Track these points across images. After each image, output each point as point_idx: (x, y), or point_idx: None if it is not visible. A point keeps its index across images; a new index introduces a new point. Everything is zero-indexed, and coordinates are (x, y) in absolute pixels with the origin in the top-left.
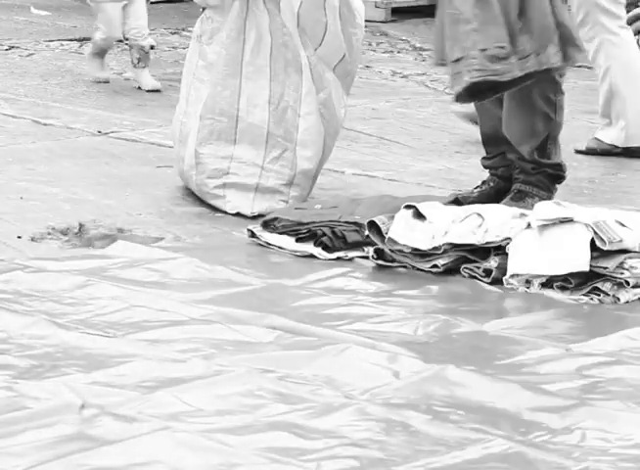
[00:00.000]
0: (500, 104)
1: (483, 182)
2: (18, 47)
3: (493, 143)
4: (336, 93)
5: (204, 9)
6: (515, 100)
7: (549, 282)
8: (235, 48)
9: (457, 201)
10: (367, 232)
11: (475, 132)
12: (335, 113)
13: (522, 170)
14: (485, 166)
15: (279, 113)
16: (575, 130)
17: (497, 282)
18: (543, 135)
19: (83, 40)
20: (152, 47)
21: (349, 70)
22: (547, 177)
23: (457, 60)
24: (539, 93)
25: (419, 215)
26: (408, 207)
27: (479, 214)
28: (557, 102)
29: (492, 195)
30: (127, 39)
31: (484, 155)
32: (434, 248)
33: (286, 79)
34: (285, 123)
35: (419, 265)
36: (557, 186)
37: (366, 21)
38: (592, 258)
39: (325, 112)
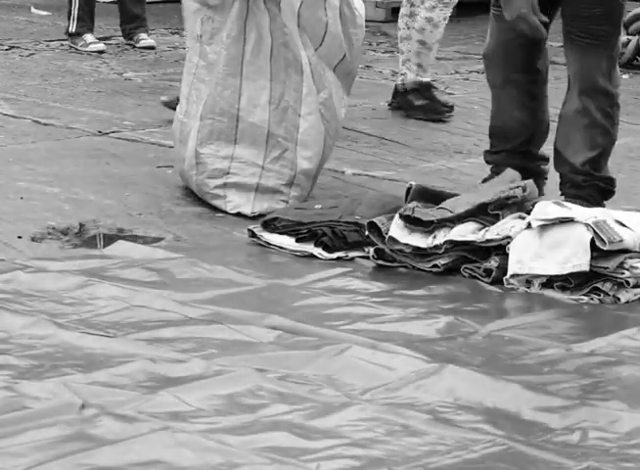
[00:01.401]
0: (516, 102)
1: (484, 180)
2: (18, 47)
3: (500, 137)
4: (336, 93)
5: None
6: (573, 113)
7: (549, 282)
8: (235, 48)
9: None
10: (367, 233)
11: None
12: (335, 113)
13: (572, 184)
14: (488, 161)
15: (279, 113)
16: None
17: (497, 282)
18: (600, 149)
19: None
20: (152, 48)
21: (350, 69)
22: (598, 191)
23: None
24: (597, 106)
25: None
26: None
27: None
28: (614, 116)
29: None
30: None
31: (488, 148)
32: (435, 247)
33: (286, 79)
34: (285, 123)
35: (419, 265)
36: (605, 202)
37: (366, 20)
38: (592, 257)
39: (325, 112)
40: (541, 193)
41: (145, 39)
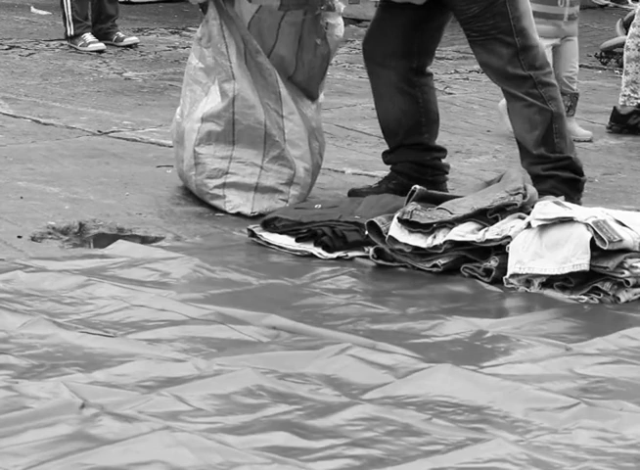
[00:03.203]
0: (395, 88)
1: (385, 178)
2: (18, 47)
3: (388, 133)
4: (300, 100)
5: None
6: (508, 99)
7: (549, 282)
8: (219, 52)
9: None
10: (367, 232)
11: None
12: (307, 117)
13: (534, 178)
14: (386, 162)
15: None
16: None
17: (497, 282)
18: (543, 125)
19: None
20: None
21: (312, 75)
22: (562, 183)
23: None
24: (521, 91)
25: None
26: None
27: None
28: (542, 94)
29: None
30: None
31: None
32: (435, 247)
33: (263, 82)
34: (275, 125)
35: (419, 265)
36: (580, 195)
37: (366, 21)
38: (592, 257)
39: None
40: (444, 190)
41: (128, 37)
